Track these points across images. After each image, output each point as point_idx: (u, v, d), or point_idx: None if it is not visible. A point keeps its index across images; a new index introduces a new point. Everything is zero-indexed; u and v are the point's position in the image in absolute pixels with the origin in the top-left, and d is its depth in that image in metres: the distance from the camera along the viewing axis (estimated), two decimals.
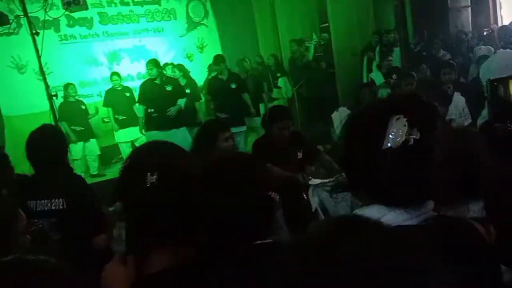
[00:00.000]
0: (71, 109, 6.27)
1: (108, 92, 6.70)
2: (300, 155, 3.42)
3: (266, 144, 3.29)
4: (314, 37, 8.51)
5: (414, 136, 0.95)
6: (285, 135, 3.24)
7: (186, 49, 8.31)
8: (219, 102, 6.15)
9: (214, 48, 8.42)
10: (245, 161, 1.29)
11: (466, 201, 1.24)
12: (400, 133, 0.94)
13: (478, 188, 1.29)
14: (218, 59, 6.11)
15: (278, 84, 7.90)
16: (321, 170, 3.77)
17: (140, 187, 1.08)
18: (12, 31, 6.01)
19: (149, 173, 1.08)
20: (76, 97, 6.55)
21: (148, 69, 5.68)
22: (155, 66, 5.64)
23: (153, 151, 1.18)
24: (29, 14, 4.18)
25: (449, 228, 1.05)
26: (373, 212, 1.02)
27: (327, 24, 8.88)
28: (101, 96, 7.24)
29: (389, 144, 0.95)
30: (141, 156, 1.17)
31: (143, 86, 5.84)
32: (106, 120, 7.00)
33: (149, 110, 5.69)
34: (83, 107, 6.57)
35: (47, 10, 4.25)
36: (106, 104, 6.67)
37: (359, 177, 1.04)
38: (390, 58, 6.59)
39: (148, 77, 5.77)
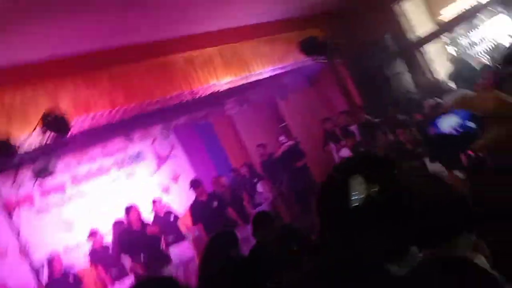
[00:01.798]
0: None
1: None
2: None
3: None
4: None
5: (375, 189, 1.00)
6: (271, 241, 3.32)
7: (160, 183, 8.40)
8: (204, 224, 6.09)
9: (188, 176, 8.56)
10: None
11: (448, 239, 1.24)
12: (361, 191, 1.00)
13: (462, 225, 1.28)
14: (194, 184, 6.23)
15: (258, 190, 7.97)
16: None
17: None
18: None
19: None
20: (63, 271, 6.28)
21: None
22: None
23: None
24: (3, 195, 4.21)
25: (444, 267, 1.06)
26: None
27: (285, 123, 9.38)
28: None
29: (353, 203, 1.00)
30: None
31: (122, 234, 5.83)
32: None
33: None
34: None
35: (19, 187, 4.29)
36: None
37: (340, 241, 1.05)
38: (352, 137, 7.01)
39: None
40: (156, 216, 7.14)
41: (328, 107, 9.40)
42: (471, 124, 2.05)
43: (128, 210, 5.75)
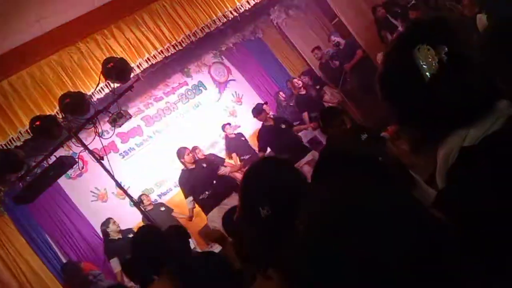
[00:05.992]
0: None
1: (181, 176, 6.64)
2: None
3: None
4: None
5: (444, 50, 0.92)
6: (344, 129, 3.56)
7: (226, 108, 8.55)
8: (278, 147, 6.06)
9: (251, 95, 8.63)
10: None
11: None
12: (430, 58, 0.92)
13: None
14: (256, 111, 6.23)
15: (324, 95, 7.90)
16: None
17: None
18: (81, 170, 6.63)
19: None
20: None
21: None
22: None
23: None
24: (88, 146, 4.61)
25: None
26: (456, 138, 0.97)
27: (337, 19, 8.85)
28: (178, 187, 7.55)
29: (428, 74, 0.93)
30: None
31: (181, 177, 6.12)
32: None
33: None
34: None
35: (101, 136, 4.63)
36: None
37: (426, 119, 1.00)
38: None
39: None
40: (228, 138, 7.47)
41: None
42: None
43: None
